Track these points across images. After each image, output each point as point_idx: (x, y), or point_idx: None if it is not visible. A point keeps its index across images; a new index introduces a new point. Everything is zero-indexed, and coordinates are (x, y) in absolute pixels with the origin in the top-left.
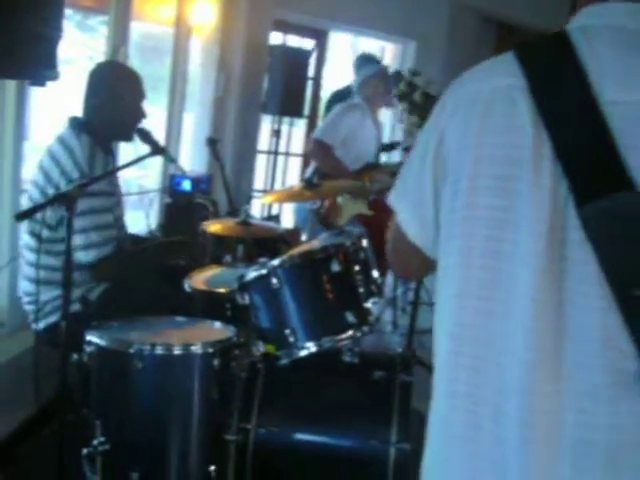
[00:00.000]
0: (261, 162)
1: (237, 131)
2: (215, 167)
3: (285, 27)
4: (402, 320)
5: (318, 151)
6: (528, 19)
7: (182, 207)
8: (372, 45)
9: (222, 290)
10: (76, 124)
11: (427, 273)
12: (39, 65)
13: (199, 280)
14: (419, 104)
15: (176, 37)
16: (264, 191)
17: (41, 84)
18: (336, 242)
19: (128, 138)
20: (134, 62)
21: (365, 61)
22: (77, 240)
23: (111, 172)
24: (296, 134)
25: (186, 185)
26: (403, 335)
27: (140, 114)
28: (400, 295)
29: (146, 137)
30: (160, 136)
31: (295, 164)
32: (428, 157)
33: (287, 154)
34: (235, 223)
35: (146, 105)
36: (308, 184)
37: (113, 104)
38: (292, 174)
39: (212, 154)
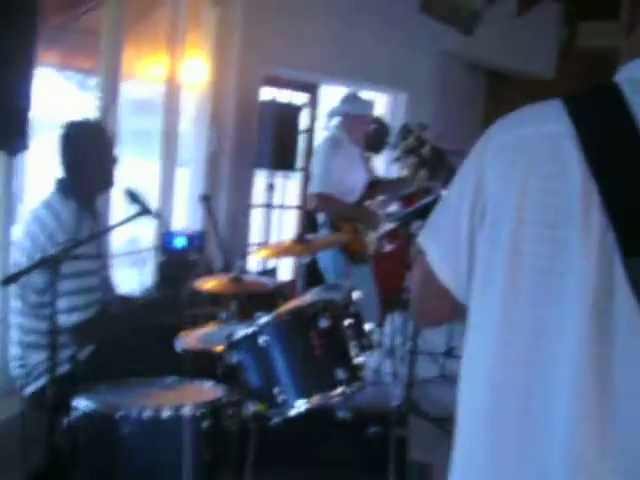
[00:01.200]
0: (257, 216)
1: (231, 186)
2: (210, 223)
3: (276, 82)
4: (402, 370)
5: (321, 203)
6: (518, 66)
7: (176, 264)
8: (363, 96)
9: (214, 348)
10: (62, 187)
11: (453, 319)
12: (8, 135)
13: (191, 339)
14: (428, 158)
15: (167, 94)
16: (260, 245)
17: (12, 154)
18: (325, 297)
19: (107, 186)
20: (126, 119)
21: (355, 100)
22: (61, 303)
23: (97, 235)
24: (291, 186)
25: (179, 242)
26: (403, 385)
27: (111, 161)
28: (399, 345)
29: (134, 198)
30: (154, 192)
31: (291, 216)
32: (465, 200)
33: (282, 207)
34: (228, 279)
35: (139, 161)
36: (300, 239)
37: (83, 159)
38: (288, 226)
39: (206, 211)
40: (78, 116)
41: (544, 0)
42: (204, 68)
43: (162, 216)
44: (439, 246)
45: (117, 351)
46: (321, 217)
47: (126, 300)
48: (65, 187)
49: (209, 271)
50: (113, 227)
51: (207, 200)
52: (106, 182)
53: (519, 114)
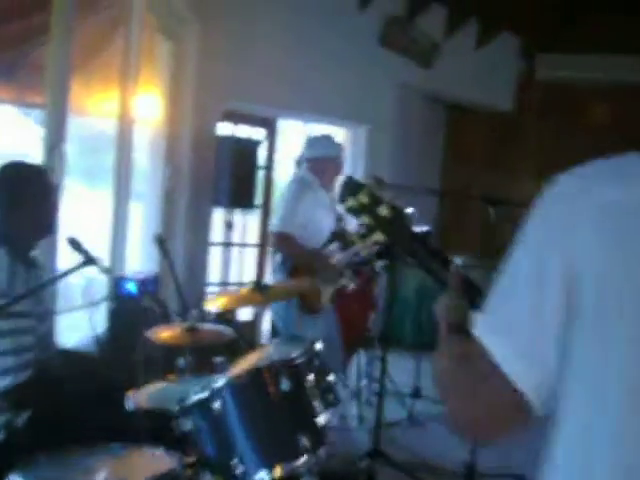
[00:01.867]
0: (216, 254)
1: (188, 225)
2: (165, 265)
3: (234, 117)
4: (368, 413)
5: (280, 244)
6: (477, 99)
7: (128, 311)
8: (322, 130)
9: (167, 407)
10: None
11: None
12: None
13: (142, 396)
14: (385, 219)
15: (120, 130)
16: (220, 284)
17: None
18: (285, 356)
19: (44, 235)
20: (77, 156)
21: (321, 140)
22: None
23: (32, 291)
24: (251, 223)
25: (131, 288)
26: (370, 430)
27: (50, 207)
28: (364, 387)
29: (77, 247)
30: (105, 232)
31: (251, 254)
32: (550, 285)
33: (242, 245)
34: (183, 329)
35: (89, 198)
36: (257, 287)
37: (19, 207)
38: (248, 264)
39: (161, 252)
40: (18, 156)
41: (503, 33)
42: (158, 103)
43: (110, 269)
44: (511, 341)
45: (58, 415)
46: (277, 258)
47: (68, 357)
48: None
49: (165, 317)
50: (53, 280)
51: (162, 242)
52: (42, 230)
53: (593, 170)
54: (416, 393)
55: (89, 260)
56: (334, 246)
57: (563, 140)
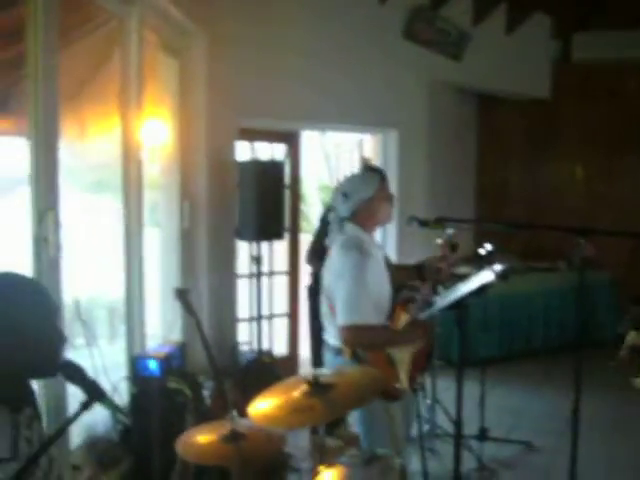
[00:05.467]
0: (243, 286)
1: (210, 262)
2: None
3: (250, 135)
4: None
5: (356, 338)
6: (511, 87)
7: (151, 396)
8: (343, 138)
9: None
10: None
11: None
12: None
13: None
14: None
15: (125, 168)
16: (250, 320)
17: None
18: None
19: (49, 373)
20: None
21: (358, 179)
22: None
23: (41, 451)
24: (278, 250)
25: (152, 366)
26: None
27: (55, 335)
28: (425, 434)
29: (75, 377)
30: (119, 288)
31: (281, 283)
32: None
33: (271, 273)
34: (222, 437)
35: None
36: (315, 387)
37: (11, 338)
38: (279, 295)
39: (184, 307)
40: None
41: (534, 14)
42: (168, 128)
43: (120, 408)
44: None
45: None
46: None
47: None
48: None
49: (196, 404)
50: (59, 433)
51: (184, 295)
52: (47, 368)
53: None
54: (482, 434)
55: (94, 395)
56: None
57: (603, 124)
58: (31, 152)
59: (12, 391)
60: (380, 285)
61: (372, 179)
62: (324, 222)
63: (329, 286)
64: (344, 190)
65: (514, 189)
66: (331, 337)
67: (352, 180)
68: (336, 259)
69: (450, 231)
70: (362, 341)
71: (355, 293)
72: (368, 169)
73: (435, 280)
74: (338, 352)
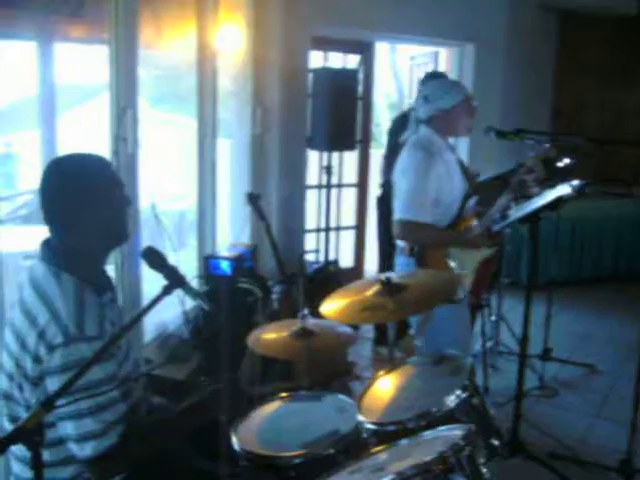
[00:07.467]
0: (311, 197)
1: (281, 170)
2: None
3: (324, 44)
4: (492, 380)
5: (405, 233)
6: (594, 3)
7: (223, 294)
8: (416, 50)
9: (284, 456)
10: (51, 255)
11: None
12: None
13: (247, 435)
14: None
15: (200, 71)
16: (317, 230)
17: None
18: (453, 443)
19: (118, 242)
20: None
21: (447, 86)
22: (68, 428)
23: (128, 328)
24: (348, 161)
25: (225, 267)
26: (498, 405)
27: (120, 204)
28: (489, 349)
29: (156, 263)
30: (193, 194)
31: (350, 196)
32: None
33: (340, 186)
34: (292, 334)
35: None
36: (387, 286)
37: (78, 209)
38: (348, 207)
39: (255, 211)
40: (70, 149)
41: None
42: (242, 34)
43: (200, 293)
44: None
45: (154, 477)
46: (402, 247)
47: (154, 380)
48: (55, 254)
49: (265, 303)
50: (140, 316)
51: (255, 200)
52: (115, 237)
53: None
54: (546, 354)
55: (175, 282)
56: (472, 202)
57: None
58: (111, 53)
59: (96, 269)
60: (446, 187)
61: (456, 92)
62: (394, 132)
63: (395, 183)
64: (426, 93)
65: (591, 111)
66: None
67: (436, 86)
68: (404, 156)
69: (547, 145)
70: (412, 237)
71: (414, 191)
72: (455, 81)
73: (517, 192)
74: (402, 251)
